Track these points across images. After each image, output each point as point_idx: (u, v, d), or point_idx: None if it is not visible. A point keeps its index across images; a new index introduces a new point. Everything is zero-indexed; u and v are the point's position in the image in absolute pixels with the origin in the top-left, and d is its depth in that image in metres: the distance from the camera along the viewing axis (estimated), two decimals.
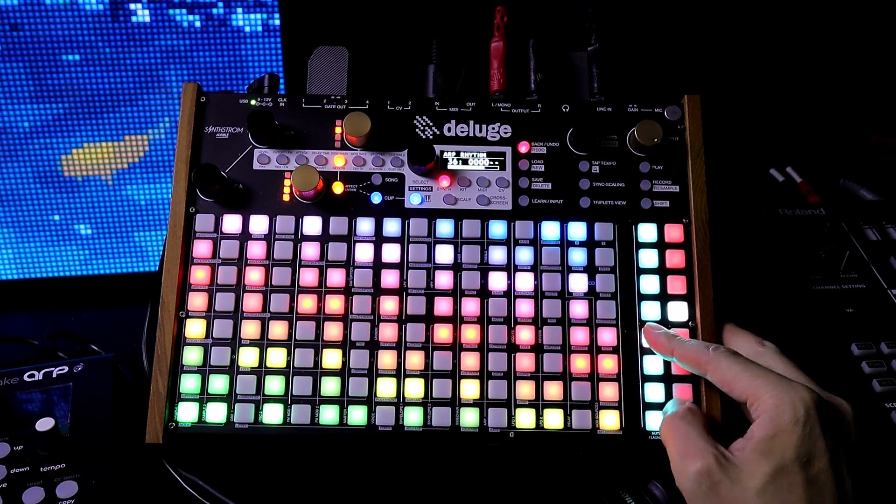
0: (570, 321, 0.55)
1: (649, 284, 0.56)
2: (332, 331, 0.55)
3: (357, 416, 0.53)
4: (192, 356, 0.54)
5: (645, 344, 0.55)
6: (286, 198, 0.58)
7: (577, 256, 0.57)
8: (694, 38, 0.84)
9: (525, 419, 0.53)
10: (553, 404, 0.54)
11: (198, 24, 0.70)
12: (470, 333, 0.55)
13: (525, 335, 0.55)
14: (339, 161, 0.59)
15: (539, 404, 0.54)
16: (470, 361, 0.54)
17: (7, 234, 0.75)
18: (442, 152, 0.59)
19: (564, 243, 0.57)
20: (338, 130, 0.59)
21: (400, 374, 0.54)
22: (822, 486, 0.42)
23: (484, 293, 0.56)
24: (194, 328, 0.55)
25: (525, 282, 0.56)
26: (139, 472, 0.55)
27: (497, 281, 0.56)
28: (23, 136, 0.71)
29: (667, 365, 0.54)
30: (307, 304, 0.55)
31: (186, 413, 0.53)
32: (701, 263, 0.56)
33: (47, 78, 0.69)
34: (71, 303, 0.77)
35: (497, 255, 0.57)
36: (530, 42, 0.65)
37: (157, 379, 0.54)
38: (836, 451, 0.43)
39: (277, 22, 0.71)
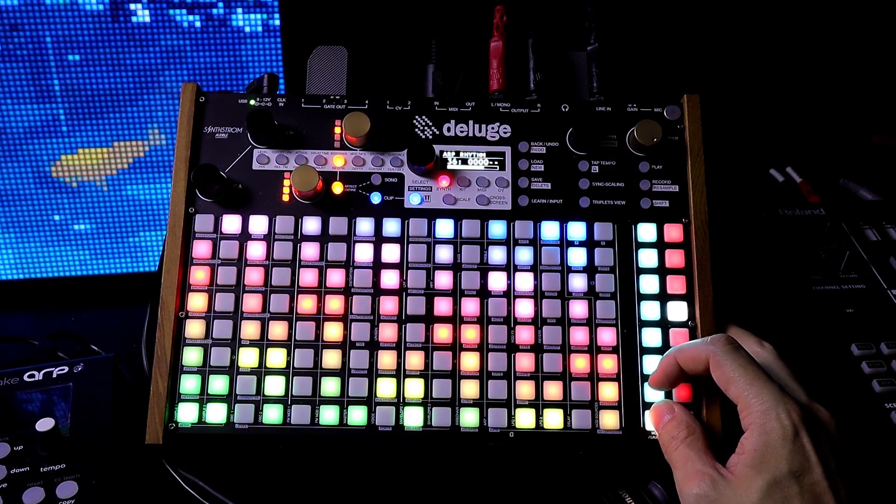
0: (570, 321, 0.55)
1: (649, 284, 0.56)
2: (332, 331, 0.55)
3: (357, 416, 0.53)
4: (191, 357, 0.54)
5: (645, 343, 0.55)
6: (286, 198, 0.58)
7: (577, 256, 0.57)
8: (694, 38, 0.84)
9: (525, 419, 0.53)
10: (553, 404, 0.54)
11: (198, 24, 0.70)
12: (470, 333, 0.55)
13: (525, 335, 0.55)
14: (338, 161, 0.59)
15: (539, 404, 0.54)
16: (470, 361, 0.54)
17: (7, 234, 0.75)
18: (441, 152, 0.59)
19: (564, 243, 0.57)
20: (337, 130, 0.59)
21: (400, 374, 0.54)
22: (819, 496, 0.43)
23: (484, 293, 0.56)
24: (194, 329, 0.55)
25: (525, 282, 0.56)
26: (139, 472, 0.55)
27: (497, 281, 0.56)
28: (23, 136, 0.71)
29: None
30: (307, 304, 0.55)
31: (186, 413, 0.53)
32: (700, 263, 0.56)
33: (47, 78, 0.70)
34: (71, 303, 0.77)
35: (497, 255, 0.57)
36: (530, 42, 0.65)
37: (157, 379, 0.54)
38: (828, 462, 0.43)
39: (277, 22, 0.71)
